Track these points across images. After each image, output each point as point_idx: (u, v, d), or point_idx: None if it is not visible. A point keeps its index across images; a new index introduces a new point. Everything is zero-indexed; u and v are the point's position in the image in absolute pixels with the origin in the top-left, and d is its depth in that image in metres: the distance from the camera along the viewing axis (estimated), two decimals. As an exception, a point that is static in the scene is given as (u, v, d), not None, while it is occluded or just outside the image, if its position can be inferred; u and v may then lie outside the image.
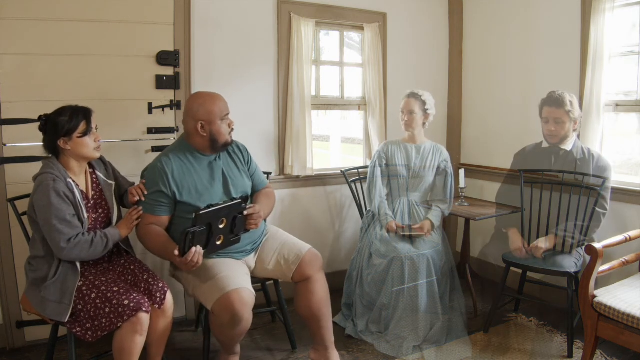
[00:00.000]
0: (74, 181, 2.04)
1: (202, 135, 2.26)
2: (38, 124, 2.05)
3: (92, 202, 2.12)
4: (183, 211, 2.24)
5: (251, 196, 2.48)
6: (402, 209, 2.99)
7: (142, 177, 2.29)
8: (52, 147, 2.04)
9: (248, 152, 2.51)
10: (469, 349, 2.63)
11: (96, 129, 2.10)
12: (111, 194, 2.21)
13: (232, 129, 2.35)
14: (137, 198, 2.21)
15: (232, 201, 2.17)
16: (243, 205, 2.21)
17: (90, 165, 2.19)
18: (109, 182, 2.23)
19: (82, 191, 2.08)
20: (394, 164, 3.02)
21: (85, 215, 2.02)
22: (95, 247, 2.01)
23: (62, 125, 2.00)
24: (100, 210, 2.15)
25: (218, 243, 2.15)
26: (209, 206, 2.11)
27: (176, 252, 2.00)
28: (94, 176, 2.19)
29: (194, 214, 2.02)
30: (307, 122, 3.22)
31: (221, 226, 2.13)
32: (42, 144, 2.07)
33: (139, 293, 2.02)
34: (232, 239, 2.21)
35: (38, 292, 2.00)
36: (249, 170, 2.49)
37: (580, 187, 2.62)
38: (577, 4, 2.94)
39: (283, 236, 2.49)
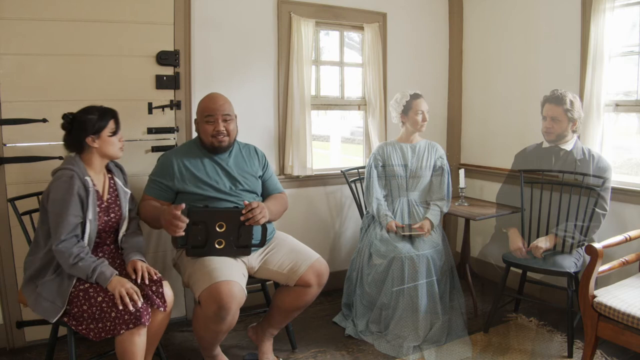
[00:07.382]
0: (92, 180, 2.07)
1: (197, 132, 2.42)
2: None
3: (105, 205, 2.14)
4: (186, 200, 2.30)
5: (264, 200, 2.52)
6: (401, 209, 2.99)
7: (157, 161, 2.43)
8: (78, 145, 2.10)
9: (265, 159, 2.58)
10: (469, 349, 2.64)
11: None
12: (126, 202, 2.23)
13: (218, 131, 2.32)
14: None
15: (234, 209, 2.24)
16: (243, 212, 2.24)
17: (109, 170, 2.23)
18: (126, 189, 2.25)
19: (97, 191, 2.11)
20: (391, 165, 3.02)
21: (91, 216, 2.02)
22: (83, 264, 1.95)
23: (91, 123, 2.07)
24: (112, 215, 2.16)
25: (218, 247, 2.22)
26: (205, 206, 2.21)
27: (178, 208, 2.06)
28: (112, 181, 2.22)
29: (187, 209, 2.13)
30: (307, 122, 3.22)
31: (220, 230, 2.20)
32: (63, 142, 2.12)
33: (144, 301, 2.00)
34: (237, 247, 2.26)
35: (34, 288, 2.01)
36: (263, 175, 2.54)
37: (580, 188, 2.62)
38: (577, 4, 2.94)
39: (293, 243, 2.48)
